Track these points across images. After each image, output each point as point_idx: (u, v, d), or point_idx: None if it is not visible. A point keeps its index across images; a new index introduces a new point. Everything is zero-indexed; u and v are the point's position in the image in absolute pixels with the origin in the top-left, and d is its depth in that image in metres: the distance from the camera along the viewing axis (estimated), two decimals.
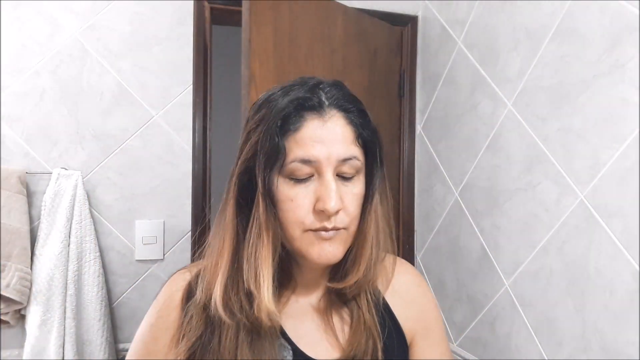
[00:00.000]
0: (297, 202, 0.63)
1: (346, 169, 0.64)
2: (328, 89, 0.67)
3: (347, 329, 0.72)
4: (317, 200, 0.63)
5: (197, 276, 0.71)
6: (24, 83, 1.62)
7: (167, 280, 0.75)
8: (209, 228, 0.74)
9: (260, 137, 0.64)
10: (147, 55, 1.74)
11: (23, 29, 1.62)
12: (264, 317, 0.62)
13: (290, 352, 0.66)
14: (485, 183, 1.56)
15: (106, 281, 1.68)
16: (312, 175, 0.64)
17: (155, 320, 0.71)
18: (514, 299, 1.42)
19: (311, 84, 0.67)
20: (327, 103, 0.65)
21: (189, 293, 0.70)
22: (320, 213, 0.63)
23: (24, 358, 1.54)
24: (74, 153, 1.67)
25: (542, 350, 1.31)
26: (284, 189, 0.63)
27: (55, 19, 1.65)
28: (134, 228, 1.73)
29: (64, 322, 1.55)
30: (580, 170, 1.21)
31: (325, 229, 0.63)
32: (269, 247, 0.64)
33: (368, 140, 0.68)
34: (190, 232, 1.78)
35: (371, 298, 0.74)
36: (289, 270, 0.71)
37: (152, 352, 0.70)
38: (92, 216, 1.66)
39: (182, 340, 0.67)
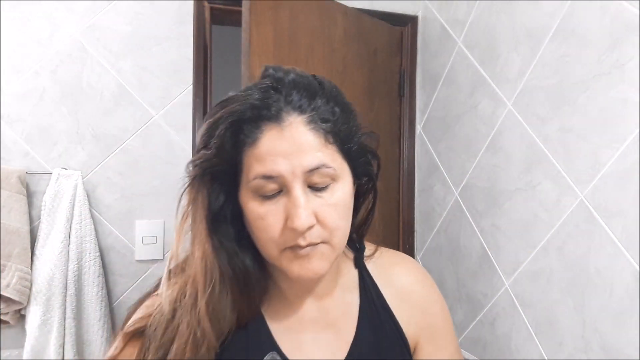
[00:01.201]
0: (267, 220, 0.58)
1: (317, 178, 0.58)
2: (287, 89, 0.59)
3: (348, 338, 0.68)
4: (287, 218, 0.57)
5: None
6: (24, 83, 1.62)
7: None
8: None
9: (217, 150, 0.59)
10: (147, 55, 1.74)
11: (23, 29, 1.62)
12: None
13: None
14: (485, 183, 1.56)
15: (106, 281, 1.68)
16: (281, 190, 0.58)
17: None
18: (514, 299, 1.42)
19: (267, 85, 0.60)
20: (285, 108, 0.58)
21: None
22: (293, 230, 0.57)
23: (24, 358, 1.54)
24: (74, 153, 1.67)
25: (542, 350, 1.31)
26: (254, 207, 0.59)
27: (55, 19, 1.65)
28: (134, 228, 1.73)
29: (64, 322, 1.55)
30: (580, 170, 1.21)
31: (300, 246, 0.58)
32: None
33: (344, 138, 0.61)
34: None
35: (373, 303, 0.71)
36: (264, 290, 0.67)
37: None
38: (92, 216, 1.66)
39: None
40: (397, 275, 0.75)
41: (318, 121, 0.59)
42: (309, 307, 0.69)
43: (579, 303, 1.20)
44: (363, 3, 1.90)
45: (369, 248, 0.76)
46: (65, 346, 1.54)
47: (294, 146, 0.57)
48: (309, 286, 0.69)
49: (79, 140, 1.68)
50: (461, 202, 1.68)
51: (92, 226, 1.64)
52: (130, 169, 1.73)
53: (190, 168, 0.62)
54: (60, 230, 1.56)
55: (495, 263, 1.51)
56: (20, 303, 1.54)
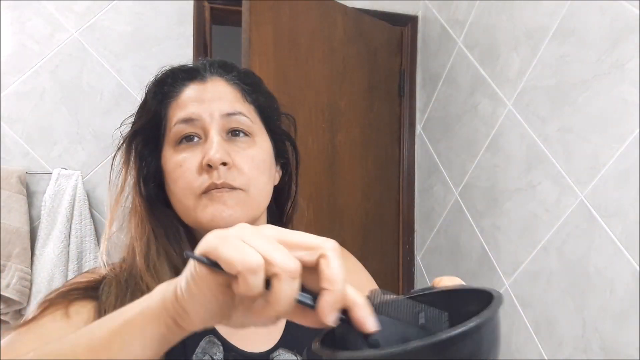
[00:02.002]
0: (185, 166, 0.60)
1: (234, 124, 0.62)
2: (210, 64, 0.66)
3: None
4: (203, 157, 0.59)
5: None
6: (24, 83, 1.62)
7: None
8: None
9: (143, 109, 0.64)
10: (147, 55, 1.73)
11: (23, 29, 1.62)
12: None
13: (221, 347, 0.61)
14: (485, 183, 1.56)
15: None
16: (200, 138, 0.61)
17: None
18: (514, 299, 1.42)
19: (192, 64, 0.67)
20: (208, 71, 0.64)
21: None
22: (208, 170, 0.59)
23: None
24: (74, 153, 1.67)
25: (542, 350, 1.31)
26: (172, 158, 0.62)
27: (55, 19, 1.65)
28: None
29: None
30: (580, 170, 1.21)
31: (215, 186, 0.59)
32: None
33: (262, 106, 0.66)
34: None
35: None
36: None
37: None
38: (92, 216, 1.66)
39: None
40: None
41: (239, 82, 0.65)
42: None
43: (579, 303, 1.20)
44: (363, 3, 1.90)
45: None
46: None
47: (214, 95, 0.62)
48: None
49: (79, 140, 1.68)
50: (461, 202, 1.68)
51: (92, 226, 1.64)
52: None
53: (121, 131, 0.66)
54: (61, 230, 1.56)
55: (495, 263, 1.51)
56: (20, 303, 1.54)
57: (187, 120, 0.61)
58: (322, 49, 1.66)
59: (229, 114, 0.62)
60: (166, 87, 0.64)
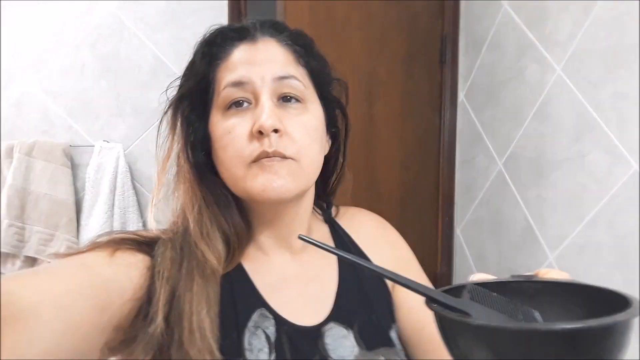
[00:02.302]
0: (234, 132, 0.58)
1: (286, 89, 0.59)
2: (261, 23, 0.63)
3: (332, 289, 0.67)
4: (254, 124, 0.57)
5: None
6: (65, 57, 1.66)
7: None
8: None
9: (191, 72, 0.62)
10: (182, 27, 1.73)
11: (62, 5, 1.64)
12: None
13: (273, 321, 0.61)
14: (532, 153, 1.48)
15: None
16: (250, 104, 0.59)
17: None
18: None
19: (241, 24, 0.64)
20: (259, 31, 0.62)
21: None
22: (259, 137, 0.57)
23: None
24: (115, 126, 1.70)
25: None
26: (220, 124, 0.59)
27: None
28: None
29: None
30: (635, 139, 1.13)
31: (267, 154, 0.57)
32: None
33: (315, 70, 0.64)
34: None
35: (350, 251, 0.71)
36: (247, 221, 0.66)
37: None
38: (135, 188, 1.70)
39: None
40: (361, 222, 0.78)
41: (291, 43, 0.62)
42: (290, 264, 0.68)
43: (629, 279, 1.14)
44: None
45: (333, 209, 0.79)
46: None
47: (265, 57, 0.59)
48: (284, 235, 0.67)
49: (119, 113, 1.71)
50: (505, 173, 1.62)
51: (135, 197, 1.68)
52: None
53: (167, 95, 0.64)
54: (104, 202, 1.61)
55: (539, 236, 1.45)
56: None
57: (237, 84, 0.59)
58: (359, 15, 1.60)
59: (281, 77, 0.59)
60: (215, 47, 0.61)
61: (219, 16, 1.75)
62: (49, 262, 0.58)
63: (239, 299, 0.62)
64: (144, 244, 0.60)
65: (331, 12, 1.52)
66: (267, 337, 0.60)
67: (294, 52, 0.62)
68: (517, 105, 1.56)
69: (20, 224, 1.56)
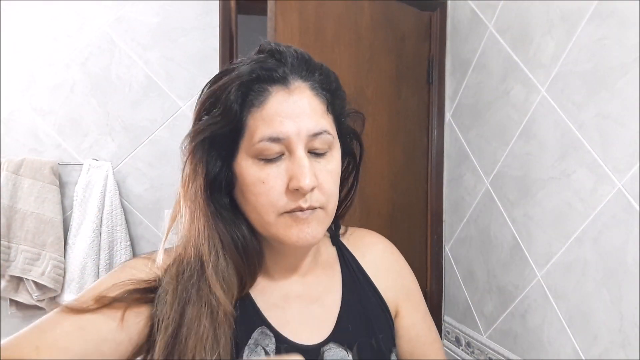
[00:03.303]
0: (268, 184, 0.59)
1: (318, 144, 0.60)
2: (289, 58, 0.61)
3: (334, 310, 0.69)
4: (290, 179, 0.58)
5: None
6: (55, 76, 1.66)
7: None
8: None
9: (223, 113, 0.59)
10: (173, 46, 1.75)
11: (53, 23, 1.65)
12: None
13: (273, 339, 0.63)
14: (518, 172, 1.51)
15: None
16: (283, 154, 0.59)
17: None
18: (547, 290, 1.38)
19: (270, 55, 0.62)
20: (290, 73, 0.60)
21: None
22: (295, 192, 0.58)
23: None
24: (104, 144, 1.70)
25: (575, 344, 1.27)
26: (254, 171, 0.59)
27: (83, 12, 1.67)
28: (164, 217, 1.75)
29: None
30: (618, 157, 1.16)
31: (301, 209, 0.59)
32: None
33: (338, 112, 0.65)
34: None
35: (355, 275, 0.73)
36: (261, 257, 0.67)
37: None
38: (123, 206, 1.69)
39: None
40: (369, 247, 0.79)
41: (320, 89, 0.62)
42: (294, 285, 0.70)
43: (616, 295, 1.16)
44: None
45: (341, 228, 0.81)
46: None
47: (300, 109, 0.59)
48: (293, 264, 0.70)
49: (109, 131, 1.70)
50: (492, 192, 1.64)
51: (123, 216, 1.67)
52: (158, 160, 1.75)
53: (192, 135, 0.62)
54: (92, 220, 1.60)
55: (527, 254, 1.47)
56: (54, 290, 1.58)
57: (275, 140, 0.58)
58: (348, 36, 1.63)
59: (315, 134, 0.60)
60: (249, 92, 0.59)
61: (210, 36, 1.77)
62: (52, 313, 0.58)
63: (241, 316, 0.62)
64: (148, 291, 0.61)
65: (321, 33, 1.55)
66: (267, 355, 0.61)
67: (325, 100, 0.63)
68: (502, 125, 1.59)
69: (6, 243, 1.54)
